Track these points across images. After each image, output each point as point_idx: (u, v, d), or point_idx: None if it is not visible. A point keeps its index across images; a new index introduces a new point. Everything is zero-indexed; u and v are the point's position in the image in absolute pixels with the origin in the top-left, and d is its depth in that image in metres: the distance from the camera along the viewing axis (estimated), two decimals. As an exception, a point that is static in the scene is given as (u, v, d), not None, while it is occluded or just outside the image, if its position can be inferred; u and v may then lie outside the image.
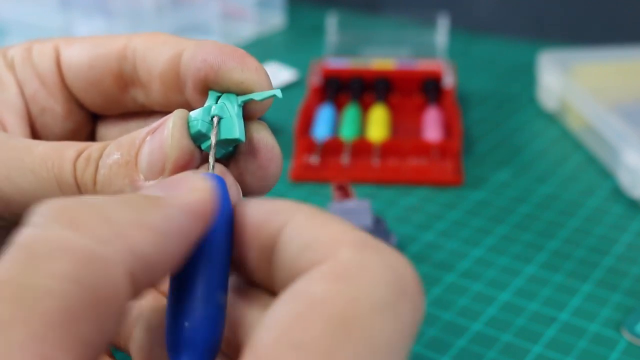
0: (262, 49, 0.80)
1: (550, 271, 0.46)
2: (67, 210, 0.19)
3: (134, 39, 0.29)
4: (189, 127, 0.25)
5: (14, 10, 0.76)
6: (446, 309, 0.43)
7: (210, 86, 0.26)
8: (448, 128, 0.59)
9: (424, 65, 0.66)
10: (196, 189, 0.22)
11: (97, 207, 0.20)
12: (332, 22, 0.70)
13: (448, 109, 0.61)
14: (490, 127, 0.64)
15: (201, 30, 0.78)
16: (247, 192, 0.26)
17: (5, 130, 0.29)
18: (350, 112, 0.61)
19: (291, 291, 0.20)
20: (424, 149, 0.57)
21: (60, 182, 0.26)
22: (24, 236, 0.19)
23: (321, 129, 0.59)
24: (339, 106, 0.63)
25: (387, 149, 0.57)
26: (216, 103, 0.26)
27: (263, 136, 0.26)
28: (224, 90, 0.26)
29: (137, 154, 0.25)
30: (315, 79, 0.64)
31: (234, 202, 0.24)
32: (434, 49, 0.69)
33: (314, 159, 0.56)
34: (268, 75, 0.26)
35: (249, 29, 0.82)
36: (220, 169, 0.25)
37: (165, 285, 0.24)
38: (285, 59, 0.75)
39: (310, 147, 0.57)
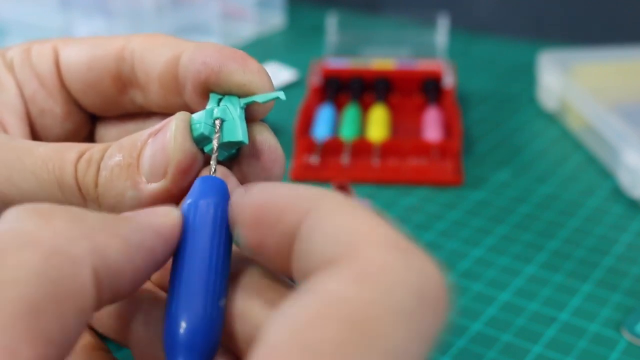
0: (262, 49, 0.80)
1: (550, 271, 0.46)
2: (41, 209, 0.20)
3: (133, 40, 0.29)
4: (191, 130, 0.25)
5: (14, 10, 0.76)
6: (446, 309, 0.43)
7: (211, 89, 0.26)
8: (448, 128, 0.59)
9: (424, 65, 0.66)
10: (164, 215, 0.23)
11: (71, 210, 0.21)
12: (332, 22, 0.70)
13: (448, 109, 0.61)
14: (490, 127, 0.64)
15: (201, 30, 0.78)
16: None
17: (5, 131, 0.29)
18: (350, 112, 0.61)
19: (308, 289, 0.19)
20: (424, 149, 0.57)
21: (61, 183, 0.26)
22: None
23: (321, 129, 0.59)
24: (339, 106, 0.63)
25: (387, 149, 0.57)
26: (218, 105, 0.26)
27: (266, 138, 0.26)
28: (225, 92, 0.26)
29: (139, 156, 0.25)
30: (315, 79, 0.64)
31: (237, 204, 0.24)
32: (434, 49, 0.69)
33: (314, 159, 0.56)
34: (270, 77, 0.26)
35: (249, 29, 0.82)
36: (223, 171, 0.25)
37: (163, 279, 0.24)
38: (285, 59, 0.75)
39: (310, 147, 0.57)
